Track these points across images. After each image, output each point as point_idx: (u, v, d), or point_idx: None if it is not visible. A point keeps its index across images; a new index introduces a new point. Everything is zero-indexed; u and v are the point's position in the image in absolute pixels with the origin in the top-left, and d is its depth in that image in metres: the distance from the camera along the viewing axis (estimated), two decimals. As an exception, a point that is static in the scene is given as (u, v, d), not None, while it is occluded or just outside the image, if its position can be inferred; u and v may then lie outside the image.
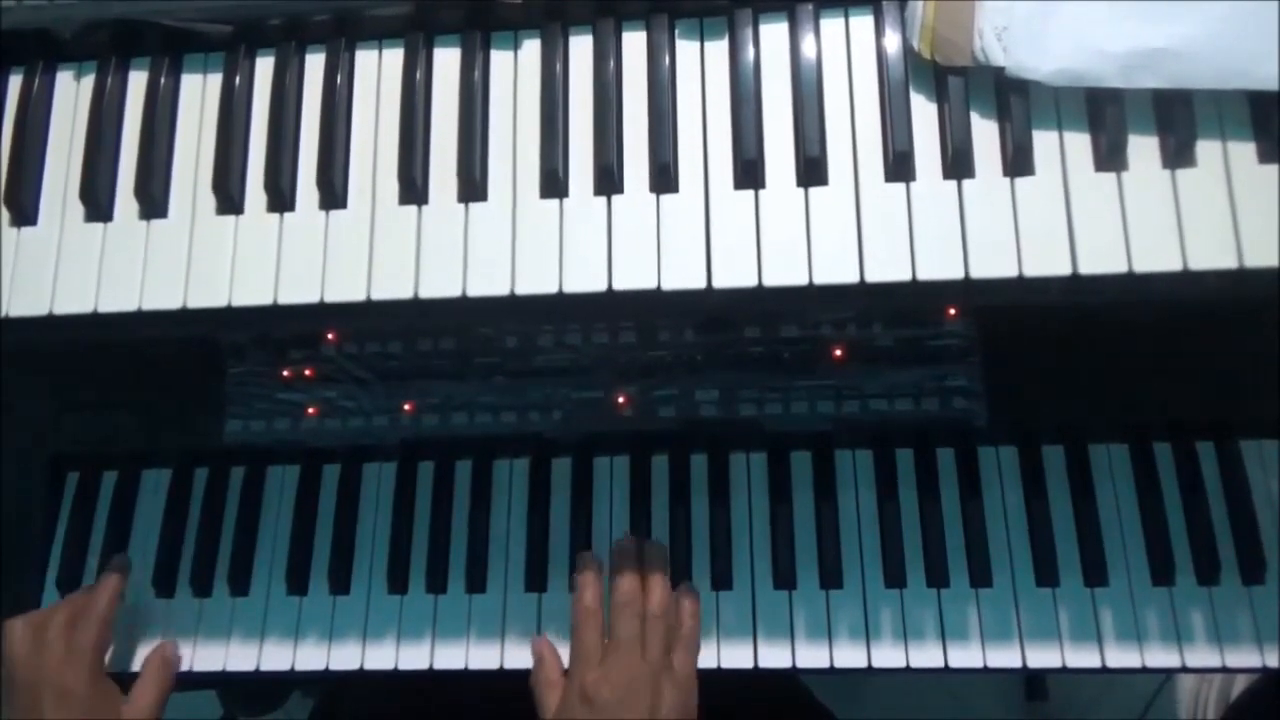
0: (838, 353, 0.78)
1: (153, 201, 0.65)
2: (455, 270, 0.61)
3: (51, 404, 0.85)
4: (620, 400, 0.79)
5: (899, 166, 0.60)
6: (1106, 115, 0.58)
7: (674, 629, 0.71)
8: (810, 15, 0.63)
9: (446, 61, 0.66)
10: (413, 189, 0.63)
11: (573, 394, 0.80)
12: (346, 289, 0.62)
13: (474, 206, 0.63)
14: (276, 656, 0.77)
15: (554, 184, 0.62)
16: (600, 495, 0.78)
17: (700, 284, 0.59)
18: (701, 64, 0.64)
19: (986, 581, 0.73)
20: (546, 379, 0.80)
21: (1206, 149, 0.58)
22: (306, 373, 0.81)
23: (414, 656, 0.75)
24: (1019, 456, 0.76)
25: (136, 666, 0.76)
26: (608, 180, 0.62)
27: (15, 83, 0.69)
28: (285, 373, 0.82)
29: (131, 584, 0.79)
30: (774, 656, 0.73)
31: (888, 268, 0.58)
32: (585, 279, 0.60)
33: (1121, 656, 0.71)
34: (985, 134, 0.60)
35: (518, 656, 0.75)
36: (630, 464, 0.79)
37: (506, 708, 0.75)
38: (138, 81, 0.68)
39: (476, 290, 0.61)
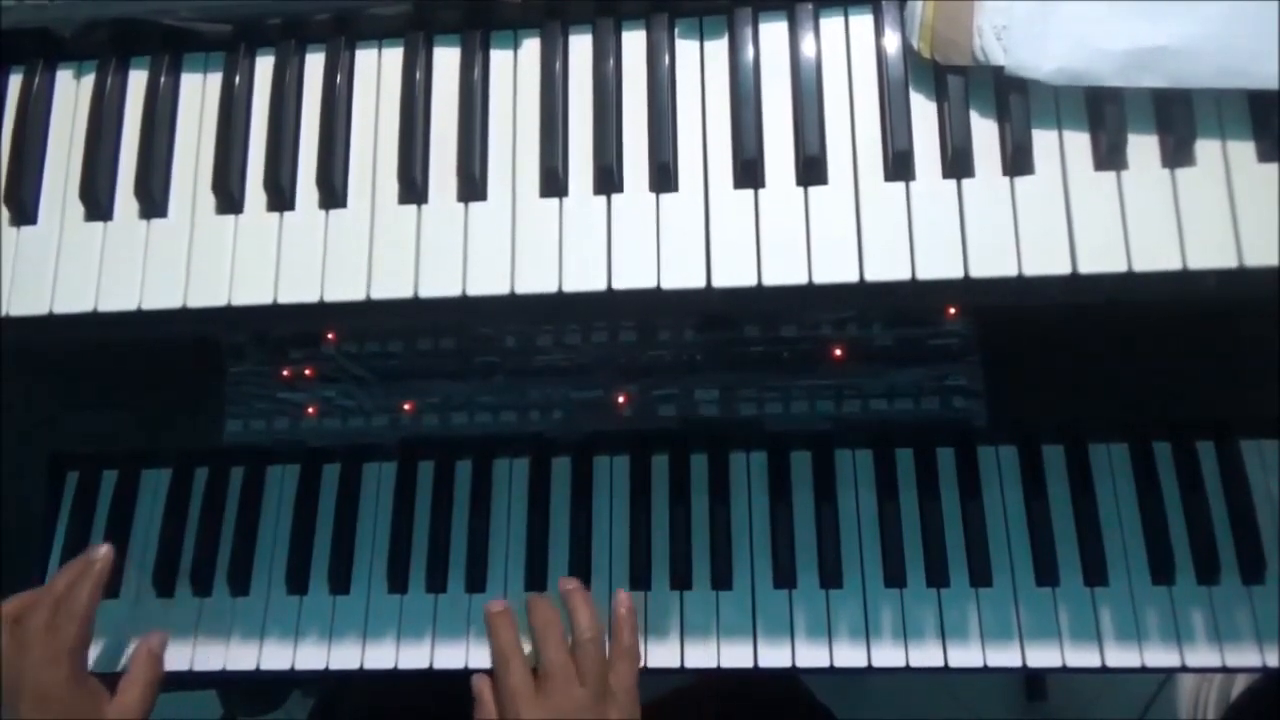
0: (838, 353, 0.78)
1: (153, 201, 0.65)
2: (455, 269, 0.61)
3: (51, 404, 0.85)
4: (620, 400, 0.79)
5: (899, 166, 0.60)
6: (1106, 114, 0.58)
7: (614, 642, 0.71)
8: (810, 14, 0.63)
9: (446, 61, 0.66)
10: (413, 188, 0.63)
11: (573, 394, 0.80)
12: (346, 288, 0.62)
13: (474, 206, 0.63)
14: (276, 656, 0.77)
15: (554, 183, 0.62)
16: (600, 495, 0.78)
17: (700, 283, 0.60)
18: (701, 63, 0.64)
19: (986, 581, 0.73)
20: (546, 379, 0.80)
21: (1206, 148, 0.58)
22: (306, 372, 0.81)
23: (414, 656, 0.75)
24: (1019, 456, 0.76)
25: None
26: (607, 179, 0.62)
27: (15, 82, 0.69)
28: (285, 372, 0.82)
29: (131, 584, 0.79)
30: (774, 656, 0.73)
31: (887, 267, 0.58)
32: (585, 278, 0.60)
33: (1121, 656, 0.71)
34: (985, 133, 0.60)
35: (517, 656, 0.74)
36: (630, 464, 0.79)
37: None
38: (138, 81, 0.68)
39: (476, 290, 0.61)
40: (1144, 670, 0.71)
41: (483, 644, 0.75)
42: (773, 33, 0.64)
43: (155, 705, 0.70)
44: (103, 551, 0.71)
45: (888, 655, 0.73)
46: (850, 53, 0.63)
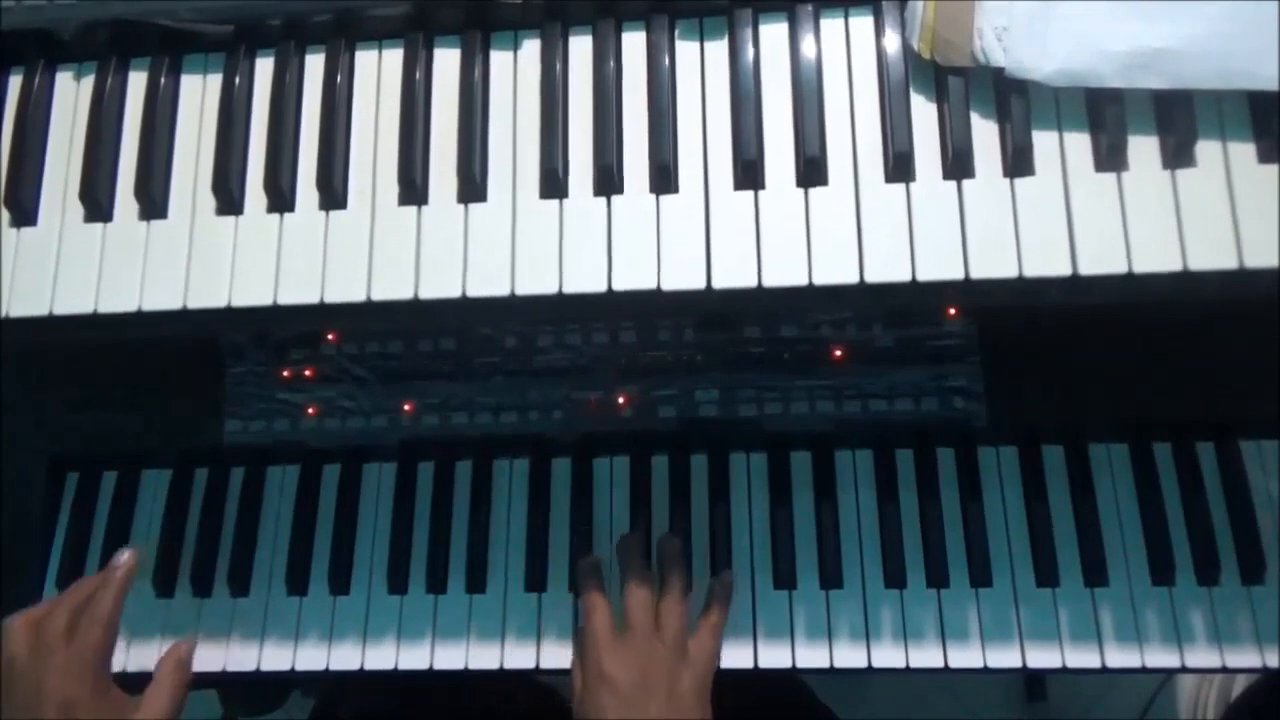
0: (838, 353, 0.78)
1: (152, 202, 0.65)
2: (455, 270, 0.61)
3: (51, 404, 0.85)
4: (620, 400, 0.79)
5: (899, 167, 0.60)
6: (1106, 115, 0.58)
7: (704, 612, 0.72)
8: (810, 15, 0.63)
9: (446, 61, 0.66)
10: (413, 189, 0.63)
11: (573, 394, 0.80)
12: (346, 289, 0.62)
13: (474, 207, 0.63)
14: (276, 656, 0.77)
15: (554, 184, 0.62)
16: (600, 495, 0.78)
17: (700, 284, 0.60)
18: (701, 64, 0.64)
19: (986, 581, 0.73)
20: (546, 379, 0.80)
21: (1206, 149, 0.58)
22: (306, 373, 0.81)
23: (414, 656, 0.75)
24: (1019, 456, 0.76)
25: (134, 666, 0.76)
26: (608, 180, 0.62)
27: (15, 83, 0.69)
28: (285, 373, 0.82)
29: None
30: (774, 656, 0.73)
31: (888, 268, 0.58)
32: (585, 279, 0.60)
33: (1121, 656, 0.71)
34: (985, 134, 0.60)
35: (517, 656, 0.75)
36: (630, 464, 0.79)
37: (506, 707, 0.75)
38: (138, 81, 0.68)
39: (476, 290, 0.61)
40: (1144, 670, 0.71)
41: (482, 645, 0.75)
42: (773, 34, 0.63)
43: (182, 711, 0.71)
44: (125, 557, 0.71)
45: (888, 656, 0.73)
46: (850, 54, 0.63)
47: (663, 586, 0.71)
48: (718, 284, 0.59)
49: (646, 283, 0.60)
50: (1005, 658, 0.72)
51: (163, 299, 0.63)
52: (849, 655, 0.73)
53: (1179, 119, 0.58)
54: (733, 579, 0.74)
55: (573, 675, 0.71)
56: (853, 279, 0.58)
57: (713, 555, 0.75)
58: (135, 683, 0.72)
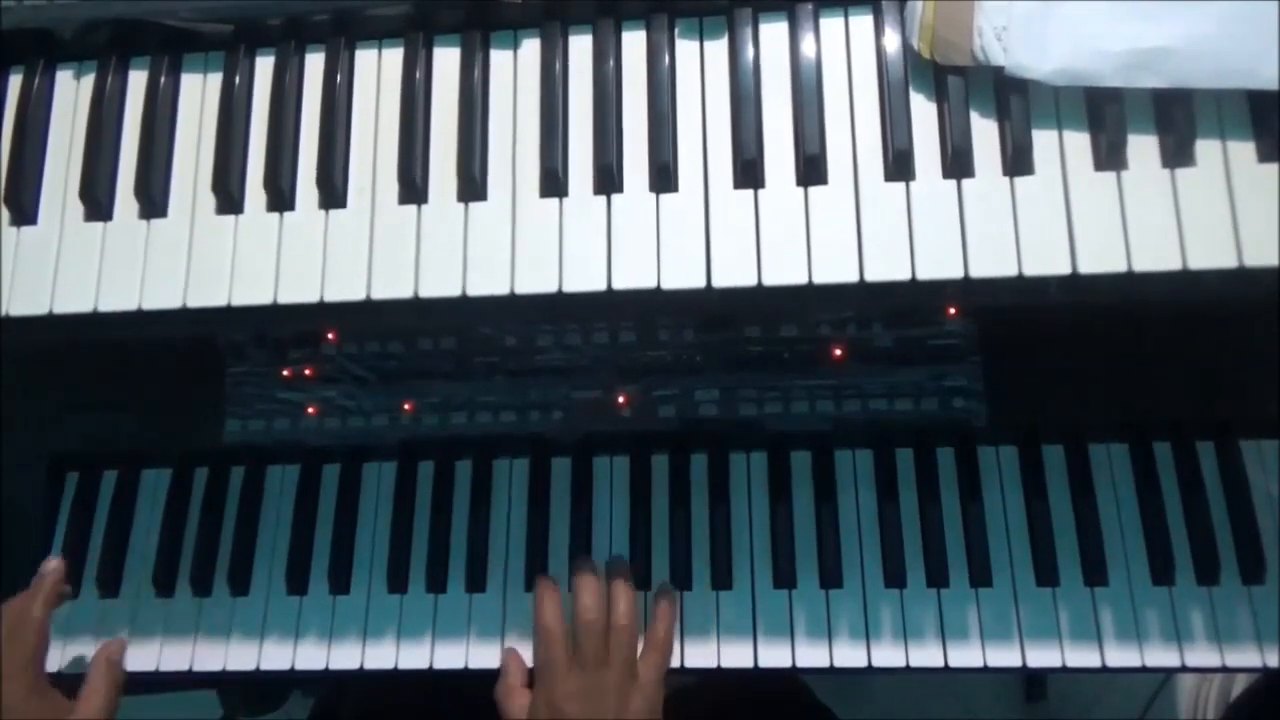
0: (838, 353, 0.78)
1: (152, 201, 0.65)
2: (455, 270, 0.61)
3: (51, 404, 0.85)
4: (620, 400, 0.79)
5: (899, 166, 0.60)
6: (1106, 115, 0.58)
7: (649, 633, 0.71)
8: (810, 15, 0.63)
9: (446, 61, 0.66)
10: (412, 188, 0.63)
11: (573, 394, 0.80)
12: (346, 289, 0.62)
13: (474, 206, 0.63)
14: (276, 656, 0.77)
15: (554, 183, 0.62)
16: (600, 495, 0.78)
17: (700, 284, 0.60)
18: (701, 63, 0.64)
19: (986, 581, 0.73)
20: (546, 379, 0.80)
21: (1206, 148, 0.58)
22: (306, 372, 0.81)
23: (414, 656, 0.75)
24: (1019, 456, 0.76)
25: (136, 666, 0.76)
26: (607, 180, 0.62)
27: (15, 83, 0.69)
28: (285, 372, 0.82)
29: (131, 584, 0.79)
30: (774, 656, 0.73)
31: (887, 267, 0.58)
32: (585, 279, 0.60)
33: (1121, 656, 0.71)
34: (985, 133, 0.60)
35: (517, 656, 0.75)
36: (630, 464, 0.79)
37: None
38: (138, 81, 0.68)
39: (476, 290, 0.61)
40: (1144, 670, 0.71)
41: (482, 644, 0.75)
42: (773, 33, 0.63)
43: (119, 709, 0.71)
44: (52, 565, 0.74)
45: (888, 655, 0.73)
46: (850, 53, 0.63)
47: (610, 612, 0.70)
48: (718, 283, 0.59)
49: (646, 282, 0.60)
50: (1005, 657, 0.72)
51: (163, 298, 0.63)
52: (849, 655, 0.73)
53: (1179, 118, 0.58)
54: (674, 591, 0.74)
55: (499, 699, 0.71)
56: (853, 278, 0.59)
57: (713, 555, 0.75)
58: (138, 682, 0.73)
